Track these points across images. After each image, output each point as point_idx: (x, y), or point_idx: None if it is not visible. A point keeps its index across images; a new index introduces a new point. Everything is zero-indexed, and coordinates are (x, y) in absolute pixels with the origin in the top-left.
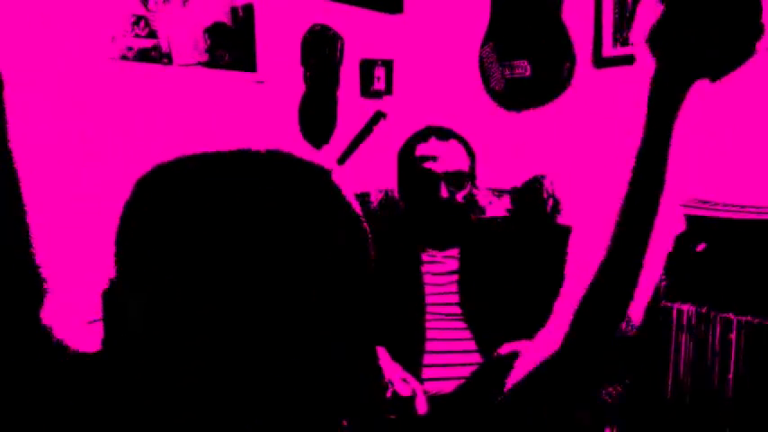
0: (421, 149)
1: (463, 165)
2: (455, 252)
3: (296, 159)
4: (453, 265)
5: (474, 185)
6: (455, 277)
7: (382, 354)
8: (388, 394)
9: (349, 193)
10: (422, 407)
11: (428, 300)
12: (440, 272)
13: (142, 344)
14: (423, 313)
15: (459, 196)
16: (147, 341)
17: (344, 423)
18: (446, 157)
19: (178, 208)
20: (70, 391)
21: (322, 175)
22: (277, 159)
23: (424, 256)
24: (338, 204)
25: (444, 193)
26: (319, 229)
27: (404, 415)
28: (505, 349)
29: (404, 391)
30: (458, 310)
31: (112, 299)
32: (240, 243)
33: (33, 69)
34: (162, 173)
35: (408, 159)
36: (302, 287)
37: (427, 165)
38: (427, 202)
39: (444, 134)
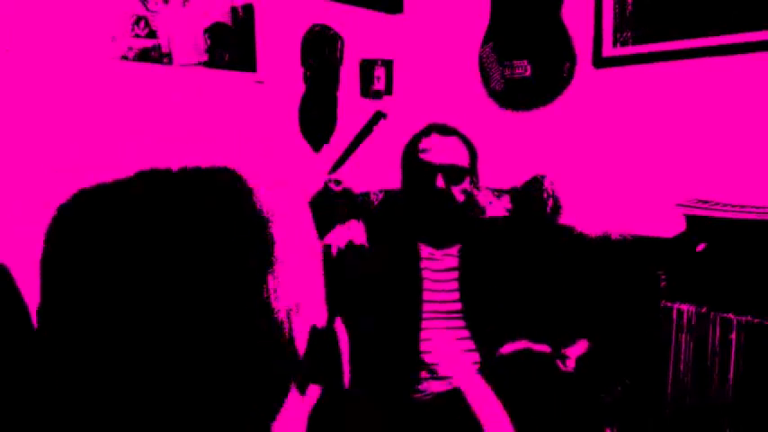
0: (423, 144)
1: (461, 160)
2: (454, 250)
3: (202, 173)
4: (452, 263)
5: (475, 185)
6: (454, 275)
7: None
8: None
9: (267, 202)
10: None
11: (427, 297)
12: (439, 269)
13: (65, 359)
14: (421, 311)
15: (457, 190)
16: (70, 357)
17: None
18: (444, 151)
19: (91, 231)
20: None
21: (224, 189)
22: (184, 177)
23: (424, 254)
24: (229, 219)
25: (440, 183)
26: (212, 240)
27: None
28: (507, 349)
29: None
30: (456, 307)
31: (43, 318)
32: (144, 261)
33: (33, 69)
34: (78, 199)
35: (410, 153)
36: (201, 298)
37: (425, 156)
38: (423, 192)
39: (446, 130)
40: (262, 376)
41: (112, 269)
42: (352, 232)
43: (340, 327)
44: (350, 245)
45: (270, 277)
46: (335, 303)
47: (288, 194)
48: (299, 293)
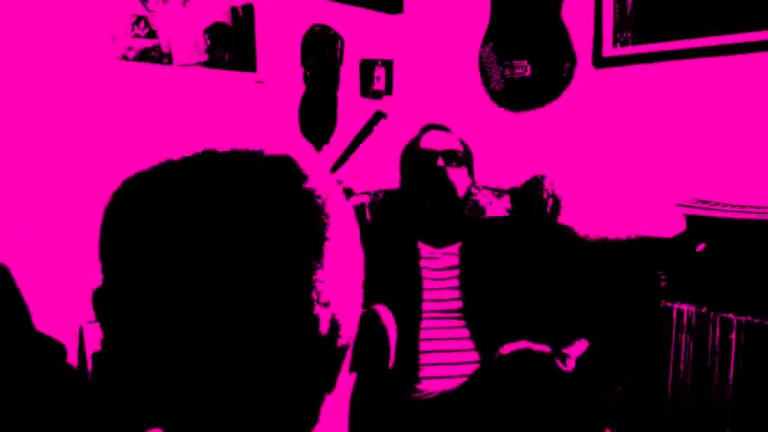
0: (424, 137)
1: (460, 150)
2: (454, 249)
3: (258, 157)
4: (452, 262)
5: (473, 183)
6: (454, 273)
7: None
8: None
9: (320, 184)
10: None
11: (426, 296)
12: (439, 267)
13: (130, 342)
14: (420, 311)
15: (457, 174)
16: (135, 339)
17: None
18: (443, 140)
19: (149, 212)
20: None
21: (282, 171)
22: (239, 159)
23: (423, 253)
24: (291, 201)
25: (440, 162)
26: (272, 225)
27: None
28: (507, 349)
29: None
30: (456, 306)
31: (101, 300)
32: (208, 244)
33: (33, 69)
34: (135, 182)
35: (410, 149)
36: (261, 282)
37: (425, 144)
38: (424, 173)
39: (443, 128)
40: (309, 365)
41: (172, 246)
42: None
43: (382, 309)
44: None
45: (318, 270)
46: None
47: (335, 182)
48: (345, 283)
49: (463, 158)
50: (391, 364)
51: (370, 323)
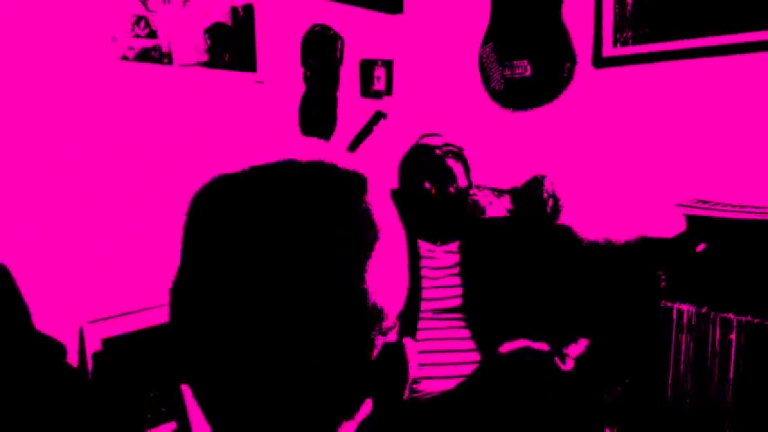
0: (421, 140)
1: (455, 149)
2: (453, 247)
3: (331, 170)
4: (452, 260)
5: (471, 186)
6: (454, 271)
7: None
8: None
9: (377, 200)
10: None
11: (425, 295)
12: (438, 266)
13: (197, 330)
14: (418, 310)
15: (452, 162)
16: (201, 328)
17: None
18: (441, 141)
19: (229, 217)
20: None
21: (350, 186)
22: (313, 171)
23: (423, 252)
24: (356, 215)
25: (438, 152)
26: (340, 236)
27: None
28: (506, 348)
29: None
30: (456, 305)
31: (176, 291)
32: (276, 249)
33: (33, 69)
34: (216, 186)
35: (409, 152)
36: (325, 287)
37: (425, 141)
38: (424, 160)
39: (439, 136)
40: (347, 383)
41: (253, 241)
42: None
43: (410, 344)
44: None
45: (366, 273)
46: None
47: (385, 192)
48: (391, 276)
49: (459, 155)
50: (406, 395)
51: (395, 353)
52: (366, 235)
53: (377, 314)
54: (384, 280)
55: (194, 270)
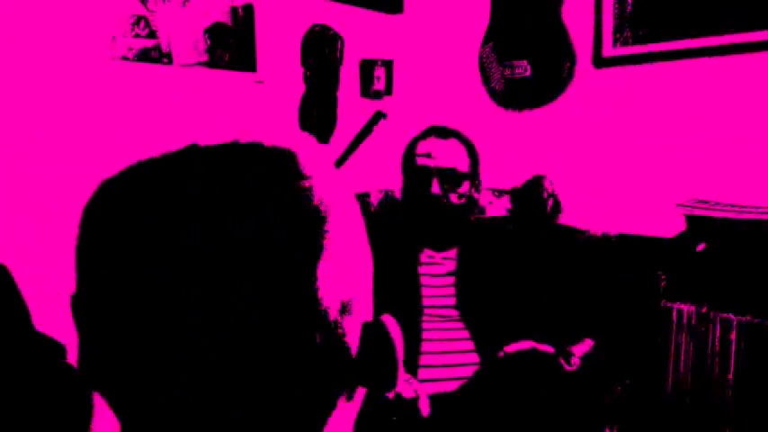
0: (420, 147)
1: (460, 164)
2: (453, 253)
3: (250, 148)
4: (452, 266)
5: (476, 187)
6: (453, 279)
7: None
8: (391, 395)
9: (320, 177)
10: (425, 409)
11: (426, 301)
12: (438, 273)
13: (111, 345)
14: (419, 314)
15: (454, 196)
16: (116, 343)
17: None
18: (441, 155)
19: (137, 213)
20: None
21: (277, 161)
22: (228, 153)
23: (423, 257)
24: (286, 189)
25: (436, 189)
26: (267, 218)
27: (407, 417)
28: (512, 348)
29: (407, 392)
30: (456, 308)
31: (79, 305)
32: (198, 240)
33: (33, 69)
34: (122, 177)
35: (408, 157)
36: (262, 280)
37: (422, 161)
38: (419, 197)
39: (445, 133)
40: (310, 377)
41: (161, 245)
42: None
43: (390, 321)
44: None
45: (320, 267)
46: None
47: (340, 179)
48: (351, 287)
49: (463, 174)
50: (399, 380)
51: (375, 334)
52: (310, 222)
53: (343, 308)
54: (343, 270)
55: (100, 281)
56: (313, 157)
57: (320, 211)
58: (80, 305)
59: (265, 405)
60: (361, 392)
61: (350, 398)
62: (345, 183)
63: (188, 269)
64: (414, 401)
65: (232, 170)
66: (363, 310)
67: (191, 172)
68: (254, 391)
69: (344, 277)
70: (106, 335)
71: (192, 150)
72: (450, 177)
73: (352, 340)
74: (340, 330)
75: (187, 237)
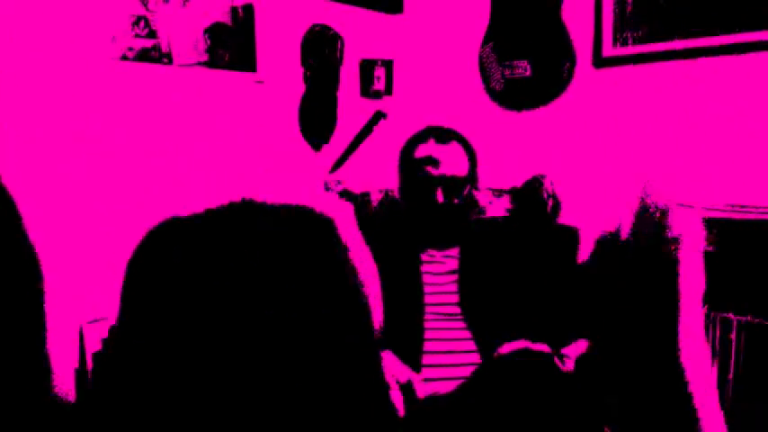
0: (420, 151)
1: (462, 169)
2: (455, 252)
3: (296, 212)
4: (453, 264)
5: (475, 187)
6: (455, 277)
7: (387, 356)
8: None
9: (346, 239)
10: (420, 390)
11: (427, 300)
12: (439, 272)
13: (141, 387)
14: (422, 313)
15: (457, 200)
16: (148, 384)
17: None
18: (444, 162)
19: (181, 264)
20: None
21: (317, 229)
22: (277, 215)
23: (424, 256)
24: (326, 260)
25: (440, 198)
26: (309, 283)
27: (404, 399)
28: (506, 349)
29: (402, 376)
30: (457, 309)
31: (115, 341)
32: (236, 296)
33: (33, 69)
34: (167, 230)
35: (408, 160)
36: (295, 338)
37: (425, 168)
38: (424, 205)
39: (444, 136)
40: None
41: (199, 303)
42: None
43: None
44: None
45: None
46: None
47: (348, 220)
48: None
49: (464, 180)
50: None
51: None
52: (349, 288)
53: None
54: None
55: (140, 320)
56: (344, 220)
57: (349, 262)
58: (120, 337)
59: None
60: None
61: None
62: (346, 214)
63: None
64: (409, 384)
65: (285, 235)
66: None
67: (244, 233)
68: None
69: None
70: (138, 368)
71: (250, 208)
72: (453, 184)
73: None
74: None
75: (236, 300)
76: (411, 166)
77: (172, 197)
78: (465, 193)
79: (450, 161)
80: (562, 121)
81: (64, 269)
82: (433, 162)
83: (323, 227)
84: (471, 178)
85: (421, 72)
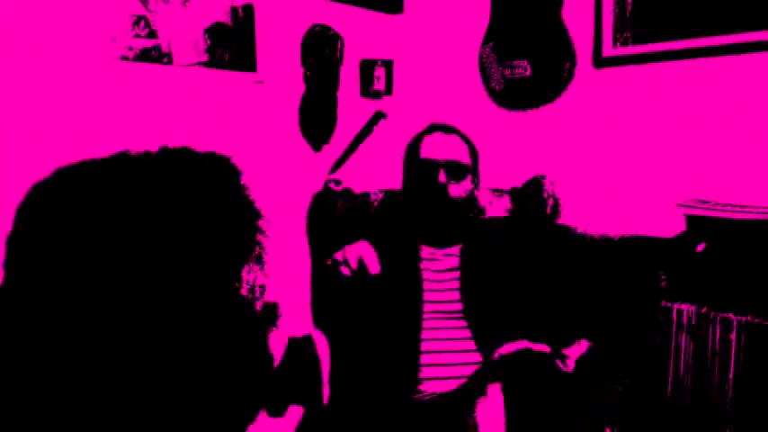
0: (426, 141)
1: (463, 157)
2: (455, 250)
3: (189, 155)
4: (453, 263)
5: (476, 185)
6: (455, 275)
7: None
8: (329, 262)
9: (254, 182)
10: (373, 267)
11: (427, 297)
12: (439, 269)
13: (32, 348)
14: (421, 312)
15: (459, 188)
16: (39, 345)
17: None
18: (446, 147)
19: (70, 212)
20: None
21: (211, 171)
22: (168, 158)
23: (424, 255)
24: (219, 199)
25: (442, 178)
26: (200, 228)
27: (357, 276)
28: (507, 349)
29: (352, 259)
30: (457, 308)
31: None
32: (128, 246)
33: (33, 69)
34: (57, 178)
35: (412, 151)
36: (187, 285)
37: (427, 153)
38: (424, 188)
39: (448, 129)
40: (226, 378)
41: (85, 250)
42: (364, 253)
43: (319, 337)
44: (361, 265)
45: (245, 269)
46: (323, 310)
47: (285, 192)
48: (280, 294)
49: (467, 168)
50: (326, 399)
51: (301, 349)
52: (244, 228)
53: (269, 314)
54: (274, 273)
55: (26, 277)
56: (251, 164)
57: (250, 208)
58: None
59: (177, 407)
60: (295, 412)
61: (273, 413)
62: (289, 190)
63: (116, 269)
64: (361, 261)
65: (163, 177)
66: (295, 321)
67: (119, 176)
68: (168, 392)
69: (276, 281)
70: (28, 328)
71: (124, 156)
72: (455, 169)
73: (276, 352)
74: (261, 334)
75: (115, 237)
76: (415, 155)
77: None
78: (467, 185)
79: (453, 148)
80: (562, 122)
81: None
82: (437, 148)
83: (222, 173)
84: (473, 170)
85: (421, 72)
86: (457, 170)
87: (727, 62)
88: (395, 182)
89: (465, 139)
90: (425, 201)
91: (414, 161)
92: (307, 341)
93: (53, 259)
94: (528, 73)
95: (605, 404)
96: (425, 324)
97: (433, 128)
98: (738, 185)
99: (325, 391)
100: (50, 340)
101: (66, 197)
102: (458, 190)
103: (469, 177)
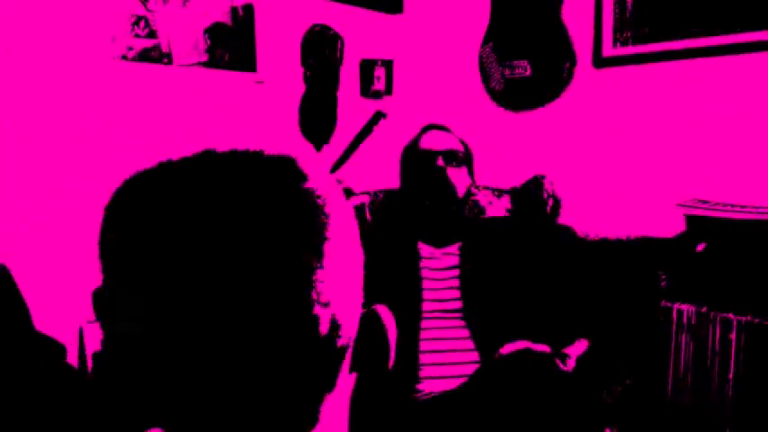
0: (423, 137)
1: (460, 151)
2: (454, 249)
3: (258, 157)
4: (452, 262)
5: (472, 183)
6: (454, 273)
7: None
8: None
9: (321, 179)
10: None
11: (426, 296)
12: (439, 267)
13: (131, 342)
14: (420, 311)
15: (457, 174)
16: (136, 339)
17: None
18: (444, 140)
19: (150, 213)
20: (71, 390)
21: (282, 171)
22: (238, 159)
23: (424, 254)
24: (292, 198)
25: (441, 162)
26: (276, 225)
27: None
28: (507, 349)
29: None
30: (456, 306)
31: (101, 300)
32: (209, 245)
33: (33, 69)
34: (135, 181)
35: (411, 148)
36: (266, 282)
37: (427, 145)
38: (425, 173)
39: (444, 128)
40: (299, 367)
41: (172, 247)
42: None
43: (383, 310)
44: None
45: (318, 269)
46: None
47: (335, 181)
48: (346, 283)
49: (463, 159)
50: (391, 364)
51: (370, 323)
52: (312, 229)
53: (334, 330)
54: (340, 284)
55: (115, 278)
56: (313, 163)
57: (324, 214)
58: (102, 299)
59: (267, 389)
60: (350, 378)
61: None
62: (338, 187)
63: (196, 269)
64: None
65: (243, 176)
66: (354, 302)
67: (208, 177)
68: (257, 378)
69: (341, 274)
70: (122, 330)
71: (210, 156)
72: (453, 155)
73: (347, 330)
74: (328, 321)
75: (198, 238)
76: (414, 150)
77: None
78: (465, 178)
79: (450, 141)
80: (562, 122)
81: (64, 270)
82: (435, 140)
83: (279, 165)
84: (468, 166)
85: (421, 72)
86: (454, 156)
87: (726, 62)
88: (395, 182)
89: (460, 140)
90: (425, 185)
91: (413, 155)
92: (374, 314)
93: (136, 257)
94: (528, 73)
95: (605, 404)
96: (424, 323)
97: (429, 127)
98: (738, 185)
99: (392, 357)
100: (145, 339)
101: (145, 199)
102: (456, 175)
103: (466, 169)
